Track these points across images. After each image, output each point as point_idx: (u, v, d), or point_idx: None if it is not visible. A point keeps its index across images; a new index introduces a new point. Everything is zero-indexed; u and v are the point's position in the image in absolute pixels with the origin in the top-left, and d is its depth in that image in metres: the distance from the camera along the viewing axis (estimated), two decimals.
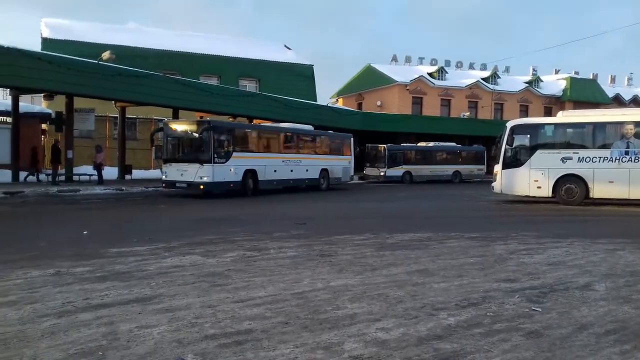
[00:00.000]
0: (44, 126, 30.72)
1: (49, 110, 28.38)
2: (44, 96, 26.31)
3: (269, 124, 24.53)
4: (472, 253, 7.85)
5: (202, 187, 17.64)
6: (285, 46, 44.30)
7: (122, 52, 25.37)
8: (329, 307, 4.86)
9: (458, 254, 7.74)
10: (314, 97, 40.26)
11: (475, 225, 11.30)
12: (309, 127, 24.18)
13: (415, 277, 6.18)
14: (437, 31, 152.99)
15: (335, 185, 24.99)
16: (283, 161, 21.27)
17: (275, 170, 20.61)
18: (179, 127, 18.66)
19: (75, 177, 23.29)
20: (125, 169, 26.39)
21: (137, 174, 27.21)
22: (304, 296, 5.24)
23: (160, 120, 27.35)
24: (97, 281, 5.77)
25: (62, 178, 22.48)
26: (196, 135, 17.86)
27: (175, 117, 26.43)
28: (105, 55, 20.86)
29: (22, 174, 21.90)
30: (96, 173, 22.53)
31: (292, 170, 21.74)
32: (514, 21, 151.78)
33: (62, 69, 19.73)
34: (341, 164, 25.16)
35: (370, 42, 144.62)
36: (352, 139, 26.66)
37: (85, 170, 24.67)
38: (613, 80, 57.75)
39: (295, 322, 4.42)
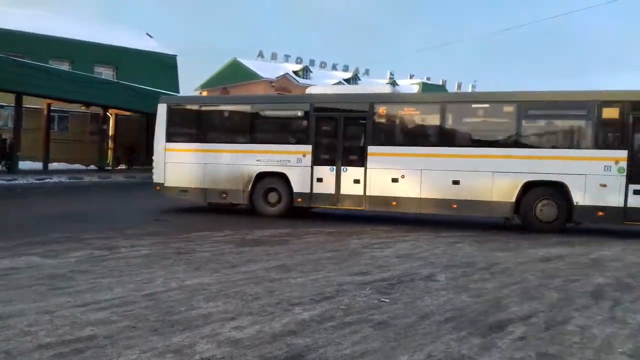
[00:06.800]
0: None
1: None
2: None
3: None
4: (329, 247, 8.09)
5: None
6: (147, 34, 42.21)
7: None
8: (183, 308, 4.68)
9: (315, 249, 7.93)
10: (176, 88, 38.79)
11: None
12: None
13: (273, 273, 6.20)
14: (308, 31, 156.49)
15: None
16: None
17: None
18: None
19: None
20: None
21: None
22: (155, 297, 5.00)
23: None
24: None
25: None
26: None
27: (19, 104, 23.77)
28: None
29: None
30: None
31: None
32: (382, 28, 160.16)
33: None
34: None
35: (245, 37, 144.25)
36: None
37: None
38: (459, 86, 63.20)
39: (143, 326, 4.18)
